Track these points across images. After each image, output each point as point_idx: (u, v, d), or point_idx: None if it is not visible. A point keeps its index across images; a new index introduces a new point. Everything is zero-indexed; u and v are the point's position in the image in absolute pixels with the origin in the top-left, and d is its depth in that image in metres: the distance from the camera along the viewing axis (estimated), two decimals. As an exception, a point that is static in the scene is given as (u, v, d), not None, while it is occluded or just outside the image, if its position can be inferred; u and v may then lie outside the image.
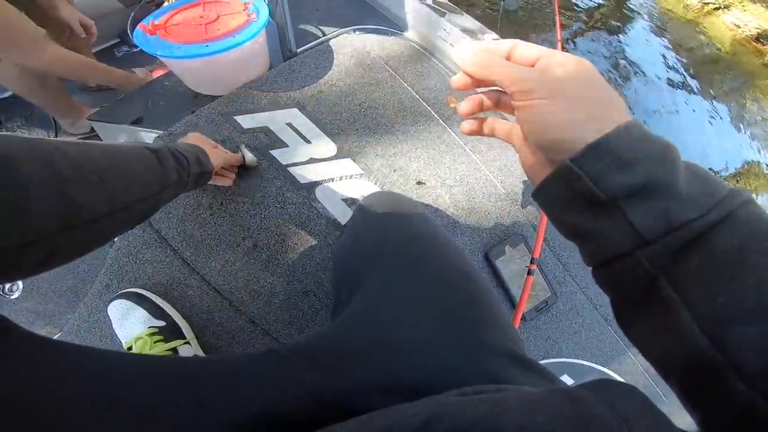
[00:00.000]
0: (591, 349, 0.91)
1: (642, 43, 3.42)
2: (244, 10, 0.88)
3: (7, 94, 1.43)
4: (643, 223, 0.25)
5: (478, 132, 0.38)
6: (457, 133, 0.97)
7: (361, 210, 0.60)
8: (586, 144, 0.26)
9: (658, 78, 3.12)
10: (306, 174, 0.82)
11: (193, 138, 0.70)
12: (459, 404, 0.26)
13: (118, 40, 1.64)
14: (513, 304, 0.85)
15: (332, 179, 0.83)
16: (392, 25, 1.19)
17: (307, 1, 1.20)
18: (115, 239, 0.79)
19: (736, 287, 0.22)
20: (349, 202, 0.82)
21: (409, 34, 1.18)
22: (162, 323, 0.70)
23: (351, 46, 1.04)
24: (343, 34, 1.10)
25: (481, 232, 0.89)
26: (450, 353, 0.40)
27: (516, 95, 0.29)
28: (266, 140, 0.84)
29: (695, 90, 3.16)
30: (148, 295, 0.72)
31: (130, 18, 1.53)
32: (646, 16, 3.78)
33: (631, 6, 3.83)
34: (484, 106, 0.37)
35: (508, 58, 0.32)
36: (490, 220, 0.90)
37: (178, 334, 0.71)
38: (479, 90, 0.35)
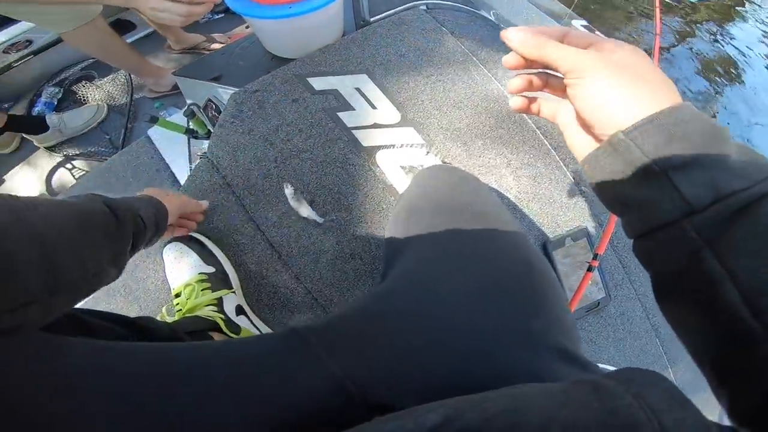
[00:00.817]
0: (632, 359, 0.86)
1: (754, 40, 3.03)
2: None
3: None
4: (691, 191, 0.25)
5: (525, 109, 0.40)
6: (530, 117, 0.93)
7: (418, 182, 0.57)
8: (639, 120, 0.27)
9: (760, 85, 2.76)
10: (369, 138, 0.84)
11: (150, 191, 0.64)
12: (478, 399, 0.24)
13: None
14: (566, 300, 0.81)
15: (393, 146, 0.84)
16: (467, 2, 1.17)
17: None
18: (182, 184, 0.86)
19: None
20: (408, 170, 0.82)
21: (486, 12, 1.15)
22: (212, 269, 0.73)
23: (422, 20, 1.04)
24: (416, 7, 1.09)
25: (542, 219, 0.85)
26: (492, 339, 0.36)
27: (569, 74, 0.31)
28: (335, 102, 0.87)
29: None
30: (202, 240, 0.76)
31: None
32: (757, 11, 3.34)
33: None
34: (534, 86, 0.38)
35: (560, 41, 0.33)
36: (554, 208, 0.86)
37: (225, 282, 0.73)
38: (530, 71, 0.37)
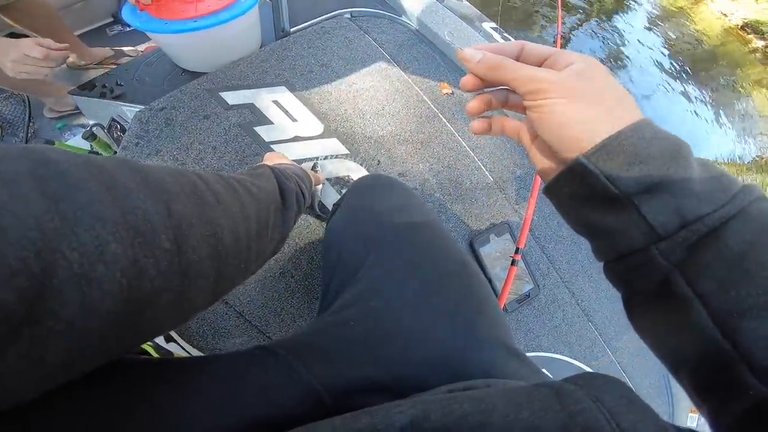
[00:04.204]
0: (571, 344, 0.90)
1: (636, 31, 3.59)
2: (236, -13, 0.89)
3: None
4: (656, 218, 0.25)
5: (487, 131, 0.39)
6: (448, 119, 0.97)
7: (353, 194, 0.59)
8: (600, 141, 0.27)
9: (651, 64, 3.26)
10: (290, 151, 0.82)
11: (278, 158, 0.63)
12: (445, 401, 0.26)
13: (112, 19, 1.65)
14: (495, 294, 0.84)
15: (317, 158, 0.83)
16: (389, 9, 1.19)
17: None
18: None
19: (749, 281, 0.23)
20: (333, 181, 0.82)
21: (406, 18, 1.18)
22: None
23: (346, 28, 1.04)
24: (339, 16, 1.10)
25: (467, 219, 0.89)
26: (447, 346, 0.39)
27: (527, 95, 0.30)
28: (251, 117, 0.84)
29: (683, 76, 3.30)
30: None
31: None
32: (639, 5, 3.94)
33: None
34: (492, 105, 0.37)
35: (516, 59, 0.33)
36: (476, 208, 0.90)
37: None
38: (486, 90, 0.36)
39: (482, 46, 0.33)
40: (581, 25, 3.41)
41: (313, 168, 0.73)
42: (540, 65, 0.32)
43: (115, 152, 0.94)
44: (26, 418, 0.23)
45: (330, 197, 0.80)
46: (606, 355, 0.92)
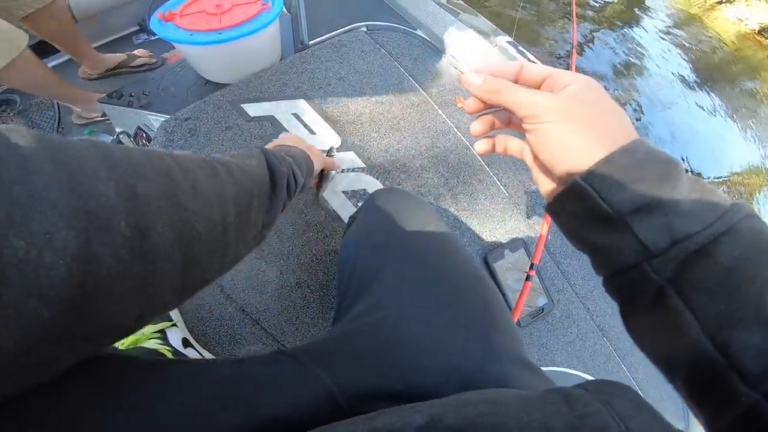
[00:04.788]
0: (585, 359, 0.91)
1: (650, 38, 3.57)
2: (258, 1, 0.92)
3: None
4: (648, 236, 0.27)
5: (491, 151, 0.41)
6: (464, 134, 0.98)
7: (368, 208, 0.60)
8: (594, 162, 0.28)
9: (666, 73, 3.23)
10: (308, 164, 0.85)
11: (293, 140, 0.62)
12: (461, 403, 0.28)
13: (138, 27, 1.71)
14: (509, 308, 0.85)
15: (332, 146, 0.85)
16: (404, 22, 1.22)
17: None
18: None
19: (738, 296, 0.24)
20: (350, 194, 0.84)
21: (421, 32, 1.20)
22: None
23: (362, 41, 1.07)
24: (356, 29, 1.13)
25: (481, 234, 0.90)
26: (460, 357, 0.41)
27: (526, 119, 0.32)
28: (271, 129, 0.87)
29: (698, 84, 3.25)
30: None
31: (149, 5, 1.60)
32: (653, 13, 3.92)
33: (641, 5, 4.03)
34: (495, 126, 0.39)
35: (516, 79, 0.35)
36: (491, 223, 0.91)
37: (165, 316, 0.72)
38: (488, 111, 0.38)
39: (484, 67, 0.35)
40: (592, 39, 3.39)
41: (329, 153, 0.71)
42: (539, 85, 0.34)
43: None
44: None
45: (346, 210, 0.82)
46: (621, 371, 0.93)
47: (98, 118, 1.39)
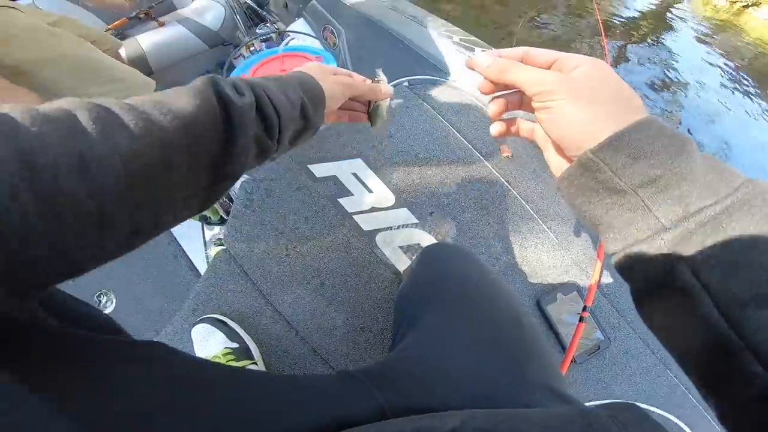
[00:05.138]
0: (648, 392, 0.94)
1: (685, 49, 3.49)
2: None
3: None
4: (660, 210, 0.27)
5: (506, 133, 0.43)
6: (510, 183, 1.07)
7: (419, 261, 0.70)
8: (606, 138, 0.29)
9: (710, 83, 3.12)
10: (368, 222, 0.96)
11: (315, 69, 0.51)
12: (490, 413, 0.34)
13: None
14: (564, 349, 0.92)
15: (390, 227, 0.96)
16: (442, 74, 1.31)
17: (365, 55, 1.37)
18: (203, 272, 0.97)
19: (752, 271, 0.24)
20: (405, 249, 0.95)
21: (460, 83, 1.29)
22: (236, 345, 0.84)
23: (406, 97, 1.18)
24: (399, 85, 1.23)
25: (533, 279, 0.98)
26: (494, 385, 0.46)
27: (535, 96, 0.33)
28: (335, 189, 0.99)
29: (743, 88, 3.12)
30: (227, 321, 0.87)
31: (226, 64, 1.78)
32: (682, 23, 3.81)
33: (668, 15, 3.90)
34: (510, 106, 0.41)
35: (523, 62, 0.36)
36: (542, 268, 0.99)
37: (248, 355, 0.84)
38: (501, 93, 0.40)
39: (492, 53, 0.38)
40: (625, 55, 3.33)
41: (376, 80, 0.59)
42: (548, 68, 0.35)
43: (221, 217, 1.13)
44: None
45: (402, 263, 0.92)
46: (688, 401, 0.95)
47: None
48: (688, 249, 0.26)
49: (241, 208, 0.97)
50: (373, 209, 0.98)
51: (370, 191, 1.00)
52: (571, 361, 0.89)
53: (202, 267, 1.12)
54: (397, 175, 1.03)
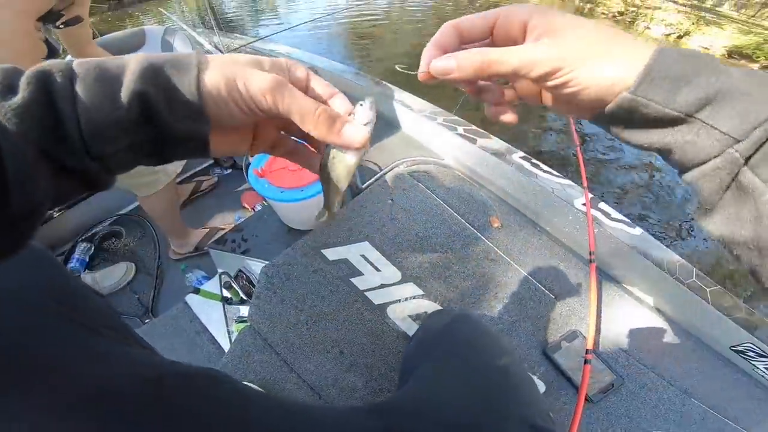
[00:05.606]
0: (677, 421, 1.00)
1: None
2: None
3: (127, 210, 1.83)
4: (728, 124, 0.27)
5: (505, 113, 0.39)
6: (504, 252, 1.23)
7: (424, 327, 0.84)
8: (638, 75, 0.28)
9: None
10: (379, 297, 1.10)
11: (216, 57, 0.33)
12: None
13: (212, 161, 2.05)
14: (576, 390, 1.00)
15: (399, 300, 1.10)
16: (434, 155, 1.52)
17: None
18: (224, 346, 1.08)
19: None
20: (414, 317, 1.08)
21: (449, 161, 1.50)
22: None
23: (402, 179, 1.37)
24: (396, 167, 1.44)
25: (536, 332, 1.09)
26: (479, 417, 0.54)
27: (545, 77, 0.31)
28: (347, 270, 1.14)
29: None
30: (255, 388, 0.96)
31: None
32: None
33: None
34: (509, 97, 0.39)
35: (456, 44, 0.34)
36: (543, 322, 1.11)
37: None
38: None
39: (430, 46, 0.35)
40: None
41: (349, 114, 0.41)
42: (487, 38, 0.34)
43: (242, 298, 1.26)
44: None
45: (411, 330, 1.05)
46: (727, 425, 1.00)
47: (189, 254, 1.70)
48: (760, 156, 0.26)
49: (263, 290, 1.11)
50: (382, 285, 1.12)
51: (378, 270, 1.15)
52: (585, 400, 0.96)
53: (223, 342, 1.22)
54: (401, 254, 1.19)
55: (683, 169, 0.31)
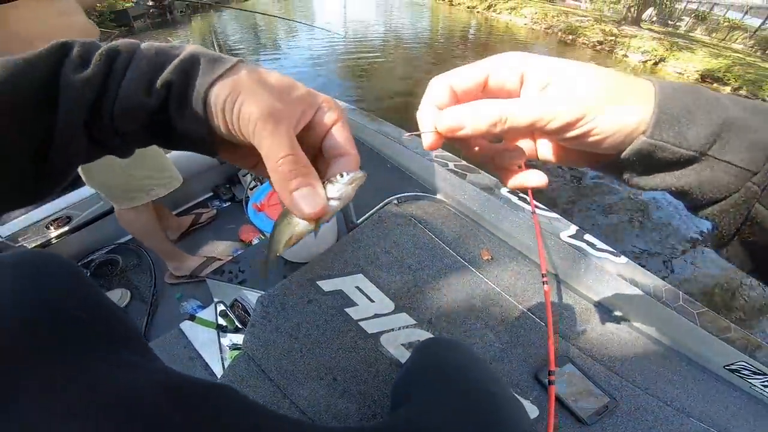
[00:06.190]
0: None
1: None
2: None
3: (125, 239, 1.88)
4: (740, 157, 0.27)
5: (518, 172, 0.37)
6: (494, 282, 1.29)
7: (415, 354, 0.88)
8: (648, 119, 0.28)
9: None
10: (372, 326, 1.15)
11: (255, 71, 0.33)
12: None
13: (212, 193, 2.13)
14: (570, 413, 1.04)
15: (392, 329, 1.15)
16: (426, 190, 1.61)
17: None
18: (217, 371, 1.12)
19: None
20: (407, 345, 1.13)
21: (441, 196, 1.59)
22: None
23: (395, 213, 1.45)
24: (389, 203, 1.52)
25: (527, 358, 1.14)
26: None
27: (565, 128, 0.30)
28: (342, 300, 1.20)
29: None
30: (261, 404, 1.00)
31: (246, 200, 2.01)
32: None
33: None
34: (529, 155, 0.38)
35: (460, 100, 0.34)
36: (534, 348, 1.16)
37: None
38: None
39: (426, 107, 0.34)
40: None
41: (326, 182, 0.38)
42: (480, 91, 0.33)
43: (237, 326, 1.31)
44: None
45: (404, 357, 1.10)
46: None
47: (187, 280, 1.75)
48: None
49: (259, 319, 1.16)
50: (375, 315, 1.17)
51: (372, 300, 1.21)
52: (581, 422, 1.00)
53: (216, 368, 1.25)
54: (394, 285, 1.25)
55: (698, 205, 0.31)
